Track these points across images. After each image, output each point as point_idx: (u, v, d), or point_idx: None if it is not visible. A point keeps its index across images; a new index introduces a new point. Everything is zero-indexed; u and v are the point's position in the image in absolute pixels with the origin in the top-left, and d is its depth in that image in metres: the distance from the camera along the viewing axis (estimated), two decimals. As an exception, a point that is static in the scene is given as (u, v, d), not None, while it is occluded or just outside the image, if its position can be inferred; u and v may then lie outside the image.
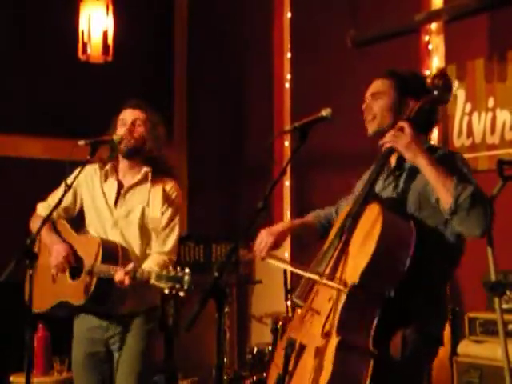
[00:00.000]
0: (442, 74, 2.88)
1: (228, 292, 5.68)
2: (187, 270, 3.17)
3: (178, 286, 3.15)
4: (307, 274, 2.81)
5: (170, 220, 3.63)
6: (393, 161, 2.90)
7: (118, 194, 3.65)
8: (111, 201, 3.65)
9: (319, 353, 2.61)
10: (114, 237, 3.59)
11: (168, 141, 3.80)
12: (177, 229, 3.64)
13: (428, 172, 2.65)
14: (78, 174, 3.54)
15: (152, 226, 3.61)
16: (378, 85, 2.97)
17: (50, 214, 3.46)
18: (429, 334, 2.77)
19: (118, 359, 3.57)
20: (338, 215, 3.08)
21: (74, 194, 3.74)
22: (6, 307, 5.30)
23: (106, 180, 3.69)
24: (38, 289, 3.66)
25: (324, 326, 2.64)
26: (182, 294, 3.17)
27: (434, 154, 2.79)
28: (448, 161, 2.74)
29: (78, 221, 3.78)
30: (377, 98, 2.93)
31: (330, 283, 2.67)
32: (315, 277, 2.74)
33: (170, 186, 3.67)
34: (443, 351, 4.26)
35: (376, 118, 2.92)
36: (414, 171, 2.79)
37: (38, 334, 4.91)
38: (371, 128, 2.94)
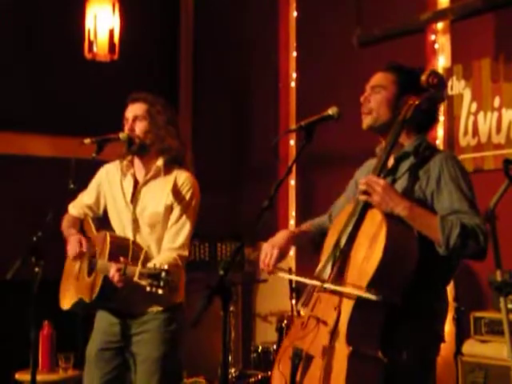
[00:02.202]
0: (435, 72, 2.84)
1: (233, 291, 5.69)
2: (165, 267, 3.16)
3: (155, 283, 3.13)
4: (313, 283, 2.74)
5: (181, 214, 3.55)
6: (391, 161, 2.85)
7: (134, 190, 3.64)
8: (128, 198, 3.63)
9: (329, 364, 2.57)
10: (131, 234, 3.58)
11: (174, 128, 3.69)
12: (189, 223, 3.56)
13: (410, 222, 2.64)
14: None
15: (150, 221, 3.56)
16: (379, 78, 2.91)
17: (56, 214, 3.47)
18: (433, 331, 2.77)
19: (138, 361, 3.52)
20: (333, 221, 3.01)
21: (97, 194, 3.76)
22: (11, 305, 5.33)
23: (124, 176, 3.68)
24: (64, 287, 3.71)
25: (332, 336, 2.60)
26: (160, 291, 3.14)
27: (430, 156, 2.78)
28: (449, 176, 2.72)
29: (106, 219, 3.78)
30: (376, 92, 2.88)
31: (345, 290, 2.62)
32: (340, 288, 2.65)
33: (182, 179, 3.60)
34: (448, 351, 4.28)
35: (372, 113, 2.87)
36: (412, 172, 2.78)
37: (43, 331, 4.92)
38: (366, 122, 2.89)
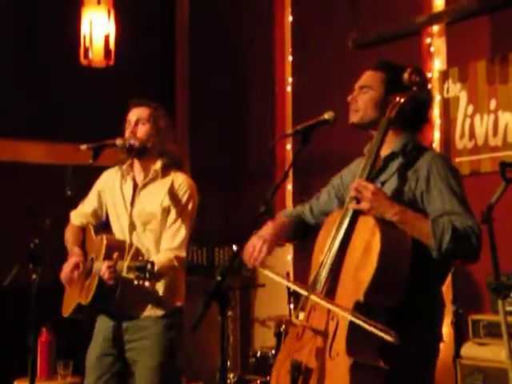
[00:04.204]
0: (417, 70, 2.82)
1: (231, 296, 5.68)
2: (151, 259, 3.19)
3: (141, 275, 3.13)
4: (317, 299, 2.66)
5: (178, 216, 3.56)
6: (379, 162, 2.82)
7: (134, 193, 3.65)
8: (128, 201, 3.65)
9: (330, 376, 2.52)
10: (131, 237, 3.59)
11: (173, 133, 3.76)
12: (186, 225, 3.57)
13: (402, 227, 2.61)
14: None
15: (143, 220, 3.57)
16: (367, 77, 2.89)
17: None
18: (432, 332, 2.77)
19: (137, 367, 3.52)
20: (315, 215, 3.02)
21: (98, 199, 3.77)
22: (9, 311, 5.31)
23: (125, 181, 3.70)
24: (67, 295, 3.72)
25: (331, 348, 2.55)
26: (146, 283, 3.15)
27: (418, 156, 2.76)
28: (438, 176, 2.70)
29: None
30: (363, 92, 2.86)
31: (337, 310, 2.57)
32: (326, 304, 2.62)
33: (180, 181, 3.62)
34: (447, 354, 4.28)
35: (359, 112, 2.86)
36: (401, 173, 2.76)
37: (41, 338, 4.91)
38: (353, 118, 2.87)
